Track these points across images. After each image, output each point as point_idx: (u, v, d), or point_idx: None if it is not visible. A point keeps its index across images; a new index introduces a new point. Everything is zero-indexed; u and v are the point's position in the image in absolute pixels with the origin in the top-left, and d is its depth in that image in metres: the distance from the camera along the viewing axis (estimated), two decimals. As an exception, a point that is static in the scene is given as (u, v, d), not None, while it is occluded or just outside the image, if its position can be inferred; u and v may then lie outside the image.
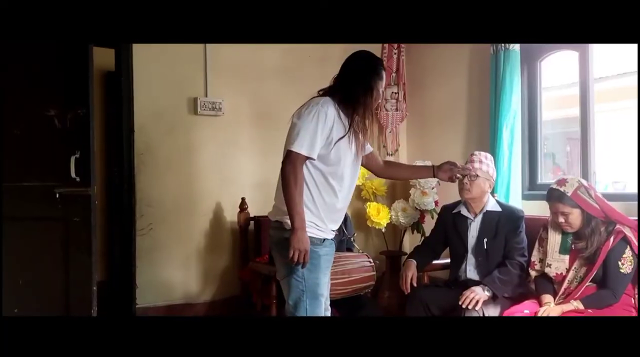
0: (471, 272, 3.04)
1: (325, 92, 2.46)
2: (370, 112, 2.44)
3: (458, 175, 2.71)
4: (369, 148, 2.63)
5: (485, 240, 3.00)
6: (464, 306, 2.75)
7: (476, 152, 3.10)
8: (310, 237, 2.31)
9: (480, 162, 3.03)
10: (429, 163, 4.07)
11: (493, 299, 2.83)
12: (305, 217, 2.30)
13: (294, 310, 2.38)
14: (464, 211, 3.10)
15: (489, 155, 3.11)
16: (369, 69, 2.44)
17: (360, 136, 2.44)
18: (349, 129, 2.39)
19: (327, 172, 2.39)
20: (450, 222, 3.16)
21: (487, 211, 3.05)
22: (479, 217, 3.06)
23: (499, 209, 3.06)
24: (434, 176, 2.72)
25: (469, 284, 2.91)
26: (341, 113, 2.40)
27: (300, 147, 2.29)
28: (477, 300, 2.75)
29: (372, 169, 2.76)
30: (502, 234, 2.99)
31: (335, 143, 2.36)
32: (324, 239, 2.42)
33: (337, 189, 2.42)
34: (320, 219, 2.40)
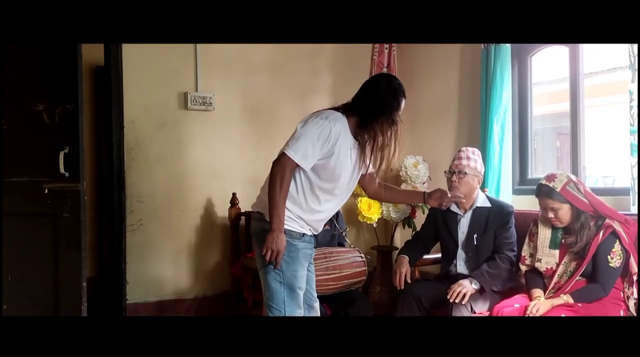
0: (461, 267, 3.06)
1: (341, 109, 2.44)
2: (387, 138, 2.41)
3: (447, 203, 2.70)
4: (370, 168, 2.58)
5: (475, 236, 3.01)
6: (451, 300, 2.76)
7: (463, 148, 3.10)
8: (289, 230, 2.37)
9: (468, 158, 3.02)
10: (420, 158, 4.11)
11: (480, 292, 2.84)
12: (284, 219, 2.33)
13: (271, 302, 2.40)
14: (454, 207, 3.09)
15: (476, 151, 3.11)
16: (390, 100, 2.40)
17: (365, 157, 2.43)
18: (355, 149, 2.41)
19: (316, 184, 2.40)
20: (441, 218, 3.15)
21: (476, 207, 3.06)
22: (469, 213, 3.07)
23: (488, 204, 3.06)
24: (425, 202, 2.71)
25: (459, 278, 2.92)
26: (350, 132, 2.40)
27: (294, 153, 2.29)
28: (465, 293, 2.76)
29: (366, 189, 2.72)
30: (492, 230, 3.00)
31: (334, 159, 2.36)
32: (303, 234, 2.44)
33: (324, 200, 2.45)
34: (300, 218, 2.42)
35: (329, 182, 2.42)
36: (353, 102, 2.47)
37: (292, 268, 2.39)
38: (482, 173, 3.08)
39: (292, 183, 2.37)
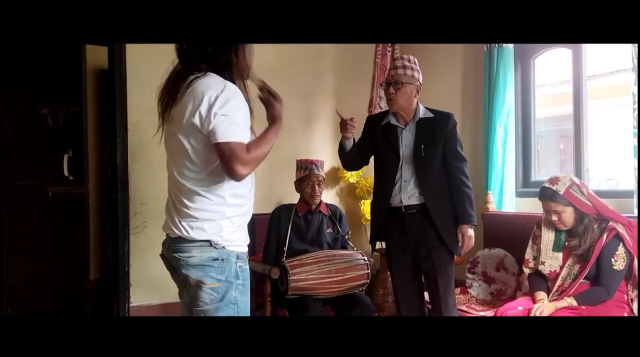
0: (411, 186, 2.78)
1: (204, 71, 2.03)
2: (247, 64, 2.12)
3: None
4: None
5: (423, 147, 2.77)
6: (463, 252, 2.73)
7: (398, 57, 2.87)
8: (242, 252, 1.99)
9: (404, 67, 2.78)
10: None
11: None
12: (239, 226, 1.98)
13: None
14: (394, 121, 2.84)
15: (412, 58, 2.84)
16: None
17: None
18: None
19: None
20: (379, 133, 2.88)
21: (420, 118, 2.82)
22: (412, 126, 2.82)
23: (431, 115, 2.84)
24: None
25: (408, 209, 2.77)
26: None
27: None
28: (472, 237, 2.71)
29: None
30: (441, 140, 2.78)
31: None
32: None
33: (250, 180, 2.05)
34: (244, 230, 2.03)
35: None
36: (199, 58, 2.08)
37: (246, 298, 1.98)
38: (420, 81, 2.84)
39: (221, 193, 1.94)
